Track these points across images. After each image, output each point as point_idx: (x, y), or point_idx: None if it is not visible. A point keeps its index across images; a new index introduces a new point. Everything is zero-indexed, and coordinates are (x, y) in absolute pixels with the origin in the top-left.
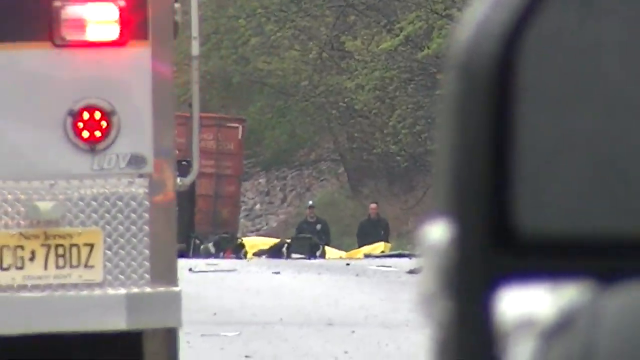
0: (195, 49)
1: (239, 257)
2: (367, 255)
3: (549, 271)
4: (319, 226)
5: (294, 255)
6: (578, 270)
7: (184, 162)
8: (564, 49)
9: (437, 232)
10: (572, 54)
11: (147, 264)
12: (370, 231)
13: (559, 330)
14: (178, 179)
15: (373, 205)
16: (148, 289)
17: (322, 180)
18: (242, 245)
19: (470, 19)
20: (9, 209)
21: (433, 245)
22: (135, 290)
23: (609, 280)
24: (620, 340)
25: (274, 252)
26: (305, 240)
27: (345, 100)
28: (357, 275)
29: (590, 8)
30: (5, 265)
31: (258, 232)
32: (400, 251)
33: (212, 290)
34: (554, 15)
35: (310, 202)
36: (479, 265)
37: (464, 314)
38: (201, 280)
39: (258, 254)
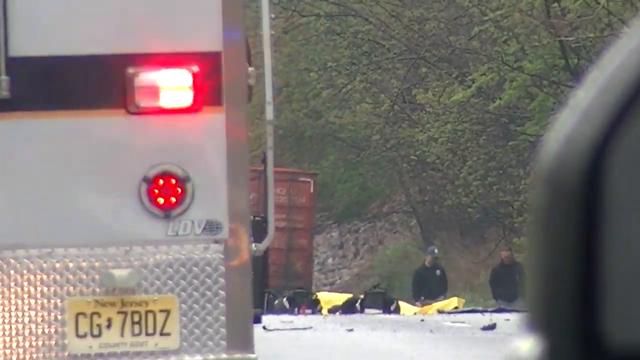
0: (269, 114)
1: (314, 313)
2: (440, 311)
3: None
4: (438, 272)
5: (368, 310)
6: None
7: (257, 218)
8: None
9: (527, 346)
10: None
11: (223, 330)
12: (504, 277)
13: None
14: (253, 245)
15: (505, 253)
16: (224, 356)
17: (394, 233)
18: (317, 301)
19: (557, 133)
20: (84, 277)
21: None
22: (211, 357)
23: None
24: None
25: (348, 308)
26: (379, 295)
27: (417, 153)
28: (431, 331)
29: None
30: (81, 332)
31: (332, 286)
32: (473, 307)
33: (288, 349)
34: None
35: (435, 250)
36: None
37: None
38: (276, 339)
39: (332, 310)
